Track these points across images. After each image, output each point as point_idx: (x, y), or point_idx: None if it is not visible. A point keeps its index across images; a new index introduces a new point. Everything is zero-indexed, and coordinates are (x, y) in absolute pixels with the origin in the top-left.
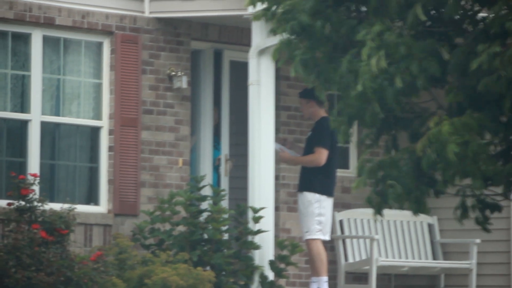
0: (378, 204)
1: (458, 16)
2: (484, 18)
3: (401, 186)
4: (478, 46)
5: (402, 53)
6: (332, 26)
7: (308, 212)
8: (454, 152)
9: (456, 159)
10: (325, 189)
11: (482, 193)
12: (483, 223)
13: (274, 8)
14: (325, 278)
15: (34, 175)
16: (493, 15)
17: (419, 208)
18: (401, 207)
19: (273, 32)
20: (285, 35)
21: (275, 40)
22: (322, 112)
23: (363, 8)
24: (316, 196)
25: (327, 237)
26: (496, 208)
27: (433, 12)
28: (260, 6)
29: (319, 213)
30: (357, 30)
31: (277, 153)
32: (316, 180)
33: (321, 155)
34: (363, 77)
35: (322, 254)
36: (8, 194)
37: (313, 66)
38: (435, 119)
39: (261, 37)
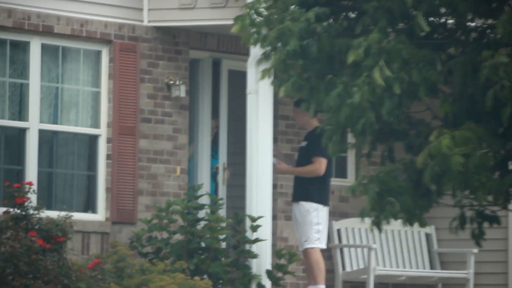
0: (376, 218)
1: (454, 26)
2: (478, 27)
3: (399, 201)
4: (483, 53)
5: (404, 57)
6: (323, 47)
7: (306, 221)
8: (460, 164)
9: (463, 169)
10: (322, 198)
11: (481, 205)
12: (478, 237)
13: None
14: (322, 287)
15: (29, 183)
16: (500, 25)
17: (412, 220)
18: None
19: (267, 57)
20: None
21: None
22: (315, 122)
23: (352, 15)
24: (314, 205)
25: (323, 246)
26: (495, 220)
27: (431, 19)
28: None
29: (317, 222)
30: (352, 45)
31: (274, 167)
32: (313, 189)
33: (321, 165)
34: (362, 89)
35: (320, 263)
36: (4, 202)
37: (308, 90)
38: (435, 133)
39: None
